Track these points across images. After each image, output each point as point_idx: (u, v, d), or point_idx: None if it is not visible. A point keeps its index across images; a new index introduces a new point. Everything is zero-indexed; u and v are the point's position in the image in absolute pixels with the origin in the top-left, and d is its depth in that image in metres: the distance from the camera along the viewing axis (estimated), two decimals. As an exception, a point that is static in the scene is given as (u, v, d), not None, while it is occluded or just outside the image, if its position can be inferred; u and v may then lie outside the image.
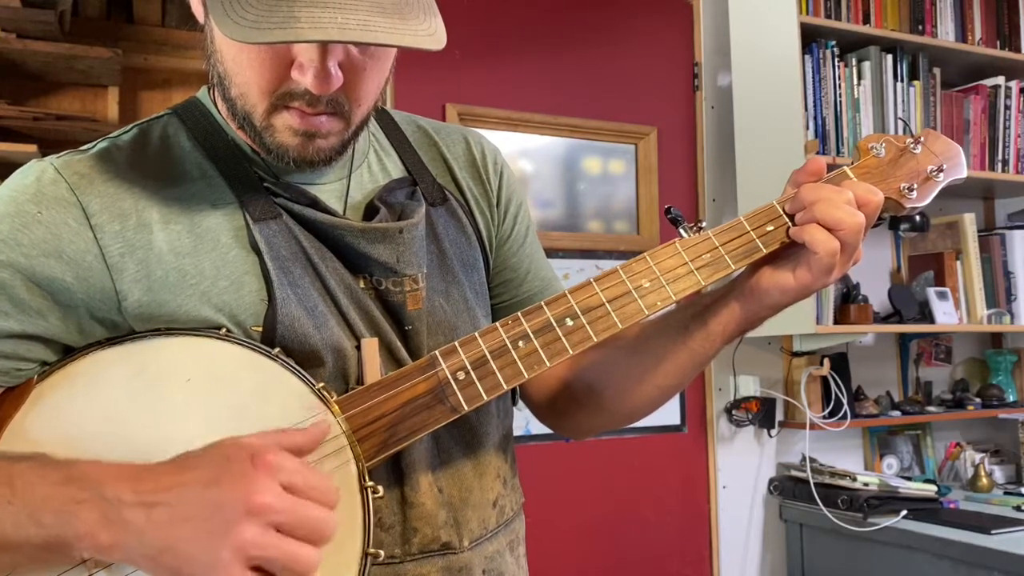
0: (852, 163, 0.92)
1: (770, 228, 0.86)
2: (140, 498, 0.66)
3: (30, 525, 0.66)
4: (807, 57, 2.47)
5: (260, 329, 0.80)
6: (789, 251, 0.86)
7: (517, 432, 0.98)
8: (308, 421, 0.76)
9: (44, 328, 0.78)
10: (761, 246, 0.86)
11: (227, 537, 0.64)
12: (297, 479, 0.67)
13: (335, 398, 0.78)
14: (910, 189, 0.90)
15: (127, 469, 0.68)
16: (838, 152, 2.50)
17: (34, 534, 0.66)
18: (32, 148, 1.75)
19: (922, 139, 0.93)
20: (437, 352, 0.81)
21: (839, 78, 2.52)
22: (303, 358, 0.80)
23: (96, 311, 0.79)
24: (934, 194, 0.92)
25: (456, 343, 0.82)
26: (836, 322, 2.49)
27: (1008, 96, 2.80)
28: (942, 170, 0.92)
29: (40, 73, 1.95)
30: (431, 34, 0.74)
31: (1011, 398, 2.93)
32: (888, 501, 2.38)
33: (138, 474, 0.68)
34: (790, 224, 0.86)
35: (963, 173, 0.94)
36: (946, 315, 2.66)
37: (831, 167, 0.90)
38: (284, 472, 0.67)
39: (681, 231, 0.87)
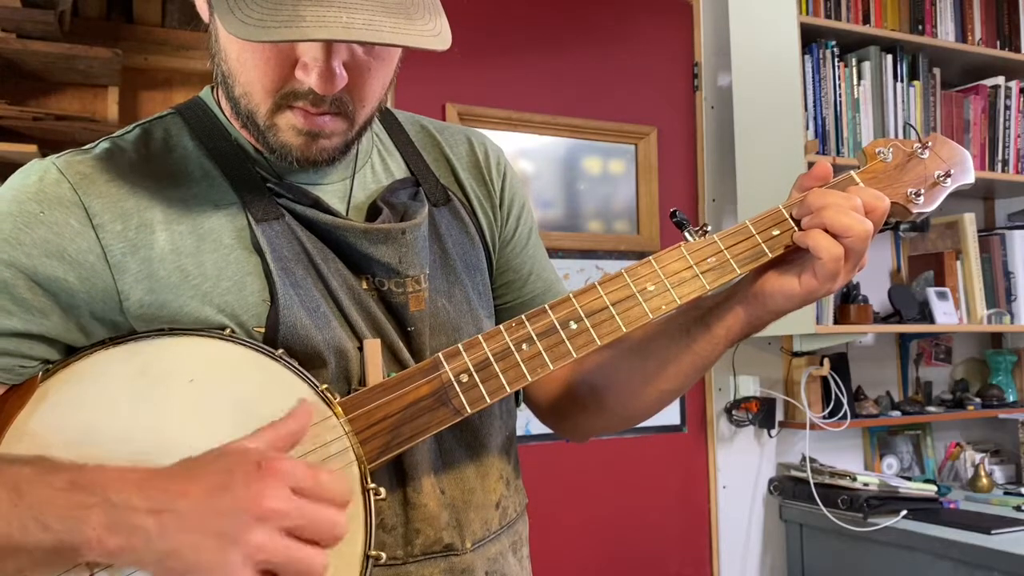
0: (859, 168, 0.91)
1: (776, 232, 0.86)
2: (149, 504, 0.65)
3: (37, 530, 0.66)
4: (807, 57, 2.47)
5: (262, 330, 0.80)
6: (794, 256, 0.86)
7: (517, 432, 0.98)
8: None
9: (46, 327, 0.78)
10: (767, 251, 0.85)
11: (237, 542, 0.64)
12: (307, 483, 0.67)
13: (338, 399, 0.78)
14: (917, 194, 0.90)
15: (132, 474, 0.68)
16: (838, 152, 2.50)
17: (42, 538, 0.66)
18: (32, 148, 1.74)
19: (929, 144, 0.92)
20: (440, 354, 0.81)
21: (839, 78, 2.52)
22: (305, 359, 0.80)
23: (98, 311, 0.79)
24: (941, 199, 0.91)
25: (459, 345, 0.81)
26: (836, 322, 2.49)
27: (1008, 96, 2.79)
28: (949, 175, 0.91)
29: (40, 73, 1.94)
30: (436, 34, 0.74)
31: (1011, 398, 2.93)
32: (888, 501, 2.38)
33: (144, 479, 0.67)
34: (796, 229, 0.85)
35: (971, 179, 0.93)
36: (946, 315, 2.65)
37: (834, 168, 0.89)
38: (294, 477, 0.67)
39: (686, 235, 0.87)
